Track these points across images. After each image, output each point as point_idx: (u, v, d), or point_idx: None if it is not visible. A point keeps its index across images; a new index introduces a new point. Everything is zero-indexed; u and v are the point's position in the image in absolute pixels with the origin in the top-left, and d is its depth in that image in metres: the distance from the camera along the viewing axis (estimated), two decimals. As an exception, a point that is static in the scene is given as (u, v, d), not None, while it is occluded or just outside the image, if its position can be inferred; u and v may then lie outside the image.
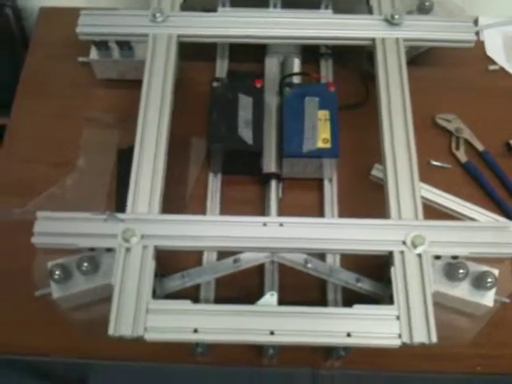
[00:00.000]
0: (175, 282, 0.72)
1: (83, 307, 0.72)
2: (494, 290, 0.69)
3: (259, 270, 0.78)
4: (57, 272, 0.67)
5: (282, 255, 0.73)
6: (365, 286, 0.72)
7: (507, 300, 0.70)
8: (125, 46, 0.89)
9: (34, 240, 0.68)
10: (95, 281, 0.68)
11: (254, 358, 0.76)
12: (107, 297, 0.66)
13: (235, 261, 0.73)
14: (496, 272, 0.68)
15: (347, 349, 0.72)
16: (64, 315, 0.74)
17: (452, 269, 0.68)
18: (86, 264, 0.67)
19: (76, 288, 0.68)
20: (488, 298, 0.69)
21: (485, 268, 0.69)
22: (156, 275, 0.67)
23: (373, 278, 0.73)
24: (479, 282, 0.68)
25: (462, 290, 0.69)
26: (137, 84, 0.83)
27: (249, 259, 0.73)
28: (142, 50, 0.87)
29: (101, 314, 0.66)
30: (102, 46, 0.90)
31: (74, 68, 0.97)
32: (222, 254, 0.79)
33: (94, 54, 0.92)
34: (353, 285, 0.73)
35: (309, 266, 0.73)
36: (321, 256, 0.79)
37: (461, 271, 0.67)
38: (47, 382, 1.37)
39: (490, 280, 0.67)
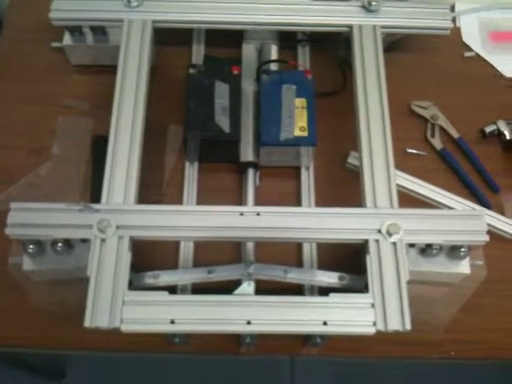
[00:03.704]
0: (147, 280, 0.71)
1: (55, 291, 0.72)
2: (468, 258, 0.70)
3: (237, 257, 0.78)
4: (30, 246, 0.67)
5: (259, 271, 0.73)
6: (348, 281, 0.72)
7: (481, 262, 0.71)
8: (99, 31, 0.88)
9: (8, 231, 0.67)
10: (68, 262, 0.68)
11: (231, 346, 0.76)
12: (78, 279, 0.66)
13: (210, 272, 0.72)
14: None
15: (324, 336, 0.73)
16: (38, 303, 0.73)
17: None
18: (60, 244, 0.67)
19: (47, 265, 0.68)
20: (464, 266, 0.71)
21: None
22: (133, 266, 0.67)
23: (349, 267, 0.73)
24: (453, 253, 0.70)
25: (438, 265, 0.70)
26: (112, 69, 0.81)
27: (223, 274, 0.73)
28: (117, 35, 0.85)
29: (73, 300, 0.66)
30: (76, 31, 0.88)
31: (48, 53, 0.95)
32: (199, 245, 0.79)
33: (67, 39, 0.90)
34: (336, 283, 0.72)
35: (289, 276, 0.72)
36: (298, 248, 0.80)
37: (435, 247, 0.69)
38: (26, 373, 1.37)
39: (463, 250, 0.69)
